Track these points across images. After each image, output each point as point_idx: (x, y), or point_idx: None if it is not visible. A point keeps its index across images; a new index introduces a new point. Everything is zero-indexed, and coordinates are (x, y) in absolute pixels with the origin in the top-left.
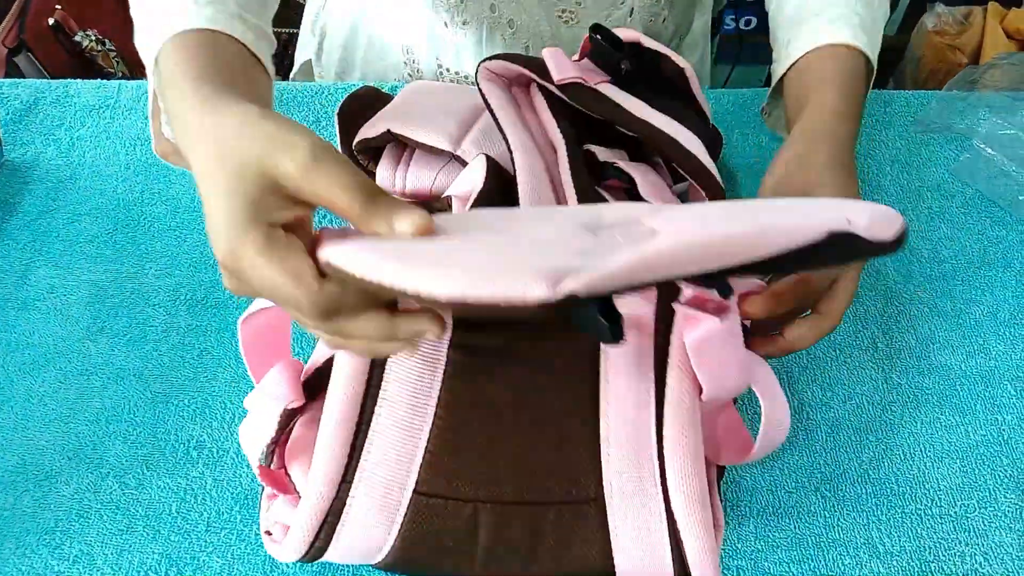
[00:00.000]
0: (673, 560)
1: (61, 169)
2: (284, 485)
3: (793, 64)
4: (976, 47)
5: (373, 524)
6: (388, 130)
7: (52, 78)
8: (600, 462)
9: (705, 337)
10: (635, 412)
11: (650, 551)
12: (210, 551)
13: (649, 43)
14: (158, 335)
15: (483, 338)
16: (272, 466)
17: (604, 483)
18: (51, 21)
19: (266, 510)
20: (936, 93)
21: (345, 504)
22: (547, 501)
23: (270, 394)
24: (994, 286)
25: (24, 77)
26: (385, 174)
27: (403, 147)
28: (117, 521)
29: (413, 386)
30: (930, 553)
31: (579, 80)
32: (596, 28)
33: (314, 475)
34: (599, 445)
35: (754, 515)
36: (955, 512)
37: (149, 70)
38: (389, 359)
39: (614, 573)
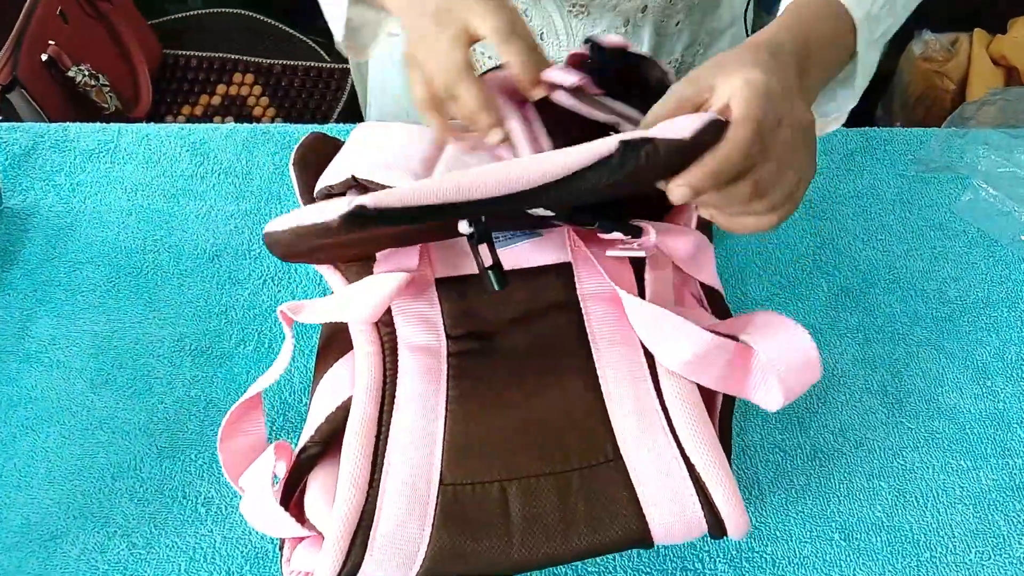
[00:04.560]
0: (701, 504)
1: (61, 216)
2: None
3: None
4: (963, 73)
5: (406, 520)
6: (352, 176)
7: (46, 114)
8: (611, 424)
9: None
10: (630, 373)
11: (677, 499)
12: None
13: (634, 49)
14: (163, 387)
15: (474, 340)
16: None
17: (619, 443)
18: (44, 57)
19: (289, 571)
20: (934, 131)
21: (375, 507)
22: (568, 468)
23: (267, 461)
24: (1000, 326)
25: (17, 114)
26: None
27: (366, 189)
28: None
29: (421, 392)
30: None
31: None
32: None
33: (342, 484)
34: (606, 410)
35: (770, 565)
36: (970, 559)
37: None
38: (400, 375)
39: (649, 535)
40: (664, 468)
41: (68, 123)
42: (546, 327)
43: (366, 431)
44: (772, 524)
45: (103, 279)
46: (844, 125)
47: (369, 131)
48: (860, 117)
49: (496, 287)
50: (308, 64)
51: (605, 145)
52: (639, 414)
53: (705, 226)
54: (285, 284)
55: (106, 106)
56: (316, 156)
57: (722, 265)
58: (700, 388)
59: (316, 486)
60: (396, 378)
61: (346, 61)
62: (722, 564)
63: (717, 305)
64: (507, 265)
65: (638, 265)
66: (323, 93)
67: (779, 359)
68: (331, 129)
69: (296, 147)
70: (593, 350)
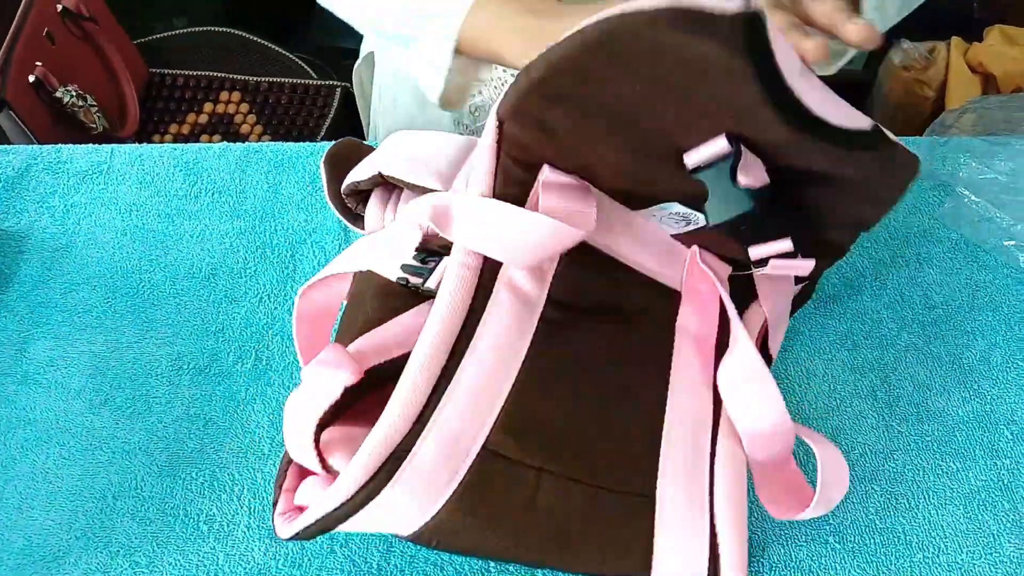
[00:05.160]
0: (709, 572)
1: (56, 237)
2: (324, 463)
3: None
4: (942, 81)
5: (436, 470)
6: (379, 172)
7: (34, 135)
8: (657, 461)
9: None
10: (694, 424)
11: (688, 559)
12: None
13: None
14: (162, 406)
15: (571, 313)
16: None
17: (657, 484)
18: (32, 78)
19: (288, 489)
20: (916, 140)
21: (413, 446)
22: (601, 485)
23: (331, 364)
24: (985, 330)
25: (5, 136)
26: (374, 212)
27: (392, 188)
28: None
29: (504, 341)
30: None
31: None
32: None
33: (392, 406)
34: (658, 448)
35: (768, 569)
36: (961, 559)
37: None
38: (487, 313)
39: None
40: (689, 525)
41: (60, 145)
42: (637, 340)
43: (434, 361)
44: (767, 529)
45: (99, 300)
46: None
47: (403, 136)
48: None
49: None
50: (295, 81)
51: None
52: (686, 465)
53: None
54: (281, 301)
55: (94, 126)
56: (347, 158)
57: None
58: None
59: (334, 436)
60: (483, 315)
61: (332, 78)
62: None
63: None
64: (631, 258)
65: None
66: (310, 110)
67: (827, 474)
68: (320, 147)
69: (330, 147)
70: (670, 386)
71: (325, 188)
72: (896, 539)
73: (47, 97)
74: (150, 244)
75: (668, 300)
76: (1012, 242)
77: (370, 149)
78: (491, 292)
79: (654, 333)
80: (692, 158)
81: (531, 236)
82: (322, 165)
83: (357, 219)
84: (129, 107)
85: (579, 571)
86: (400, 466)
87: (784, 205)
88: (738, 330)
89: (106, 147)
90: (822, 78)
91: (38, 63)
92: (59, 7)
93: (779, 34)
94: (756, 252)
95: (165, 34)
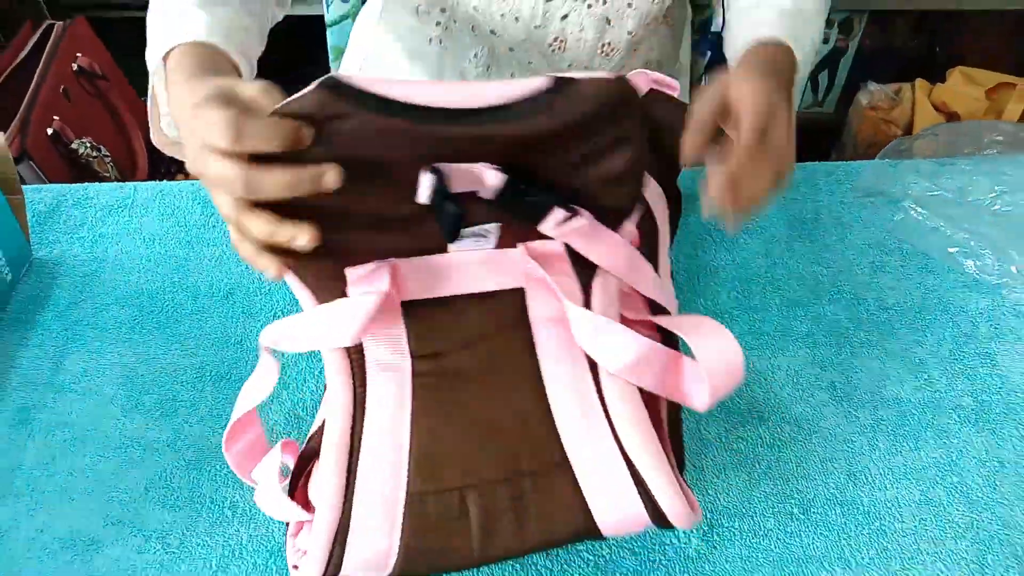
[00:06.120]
0: (641, 498)
1: (87, 264)
2: (309, 507)
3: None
4: (908, 120)
5: (377, 529)
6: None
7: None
8: (557, 431)
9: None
10: (574, 383)
11: (619, 495)
12: None
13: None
14: (187, 409)
15: (435, 360)
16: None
17: (565, 448)
18: (50, 131)
19: (292, 547)
20: (870, 162)
21: (350, 518)
22: (521, 474)
23: (275, 457)
24: (934, 326)
25: (25, 183)
26: None
27: None
28: None
29: (390, 411)
30: (896, 563)
31: None
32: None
33: (320, 500)
34: (553, 419)
35: (738, 537)
36: (915, 526)
37: (154, 72)
38: (369, 394)
39: (597, 529)
40: (606, 467)
41: (87, 184)
42: (499, 346)
43: (339, 451)
44: (738, 503)
45: (128, 318)
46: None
47: None
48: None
49: (449, 239)
50: None
51: (539, 80)
52: (583, 419)
53: (651, 245)
54: None
55: (107, 175)
56: None
57: (686, 283)
58: (643, 395)
59: (317, 475)
60: (365, 398)
61: None
62: (695, 539)
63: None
64: (462, 290)
65: (587, 279)
66: None
67: (709, 364)
68: None
69: None
70: (542, 367)
71: None
72: (855, 510)
73: (64, 149)
74: (173, 268)
75: (515, 298)
76: (956, 249)
77: None
78: (365, 378)
79: (513, 333)
80: (420, 197)
81: (338, 320)
82: None
83: None
84: (138, 158)
85: (540, 547)
86: (347, 541)
87: (539, 185)
88: (562, 298)
89: (130, 184)
90: None
91: (55, 117)
92: (74, 66)
93: (356, 77)
94: (544, 229)
95: None
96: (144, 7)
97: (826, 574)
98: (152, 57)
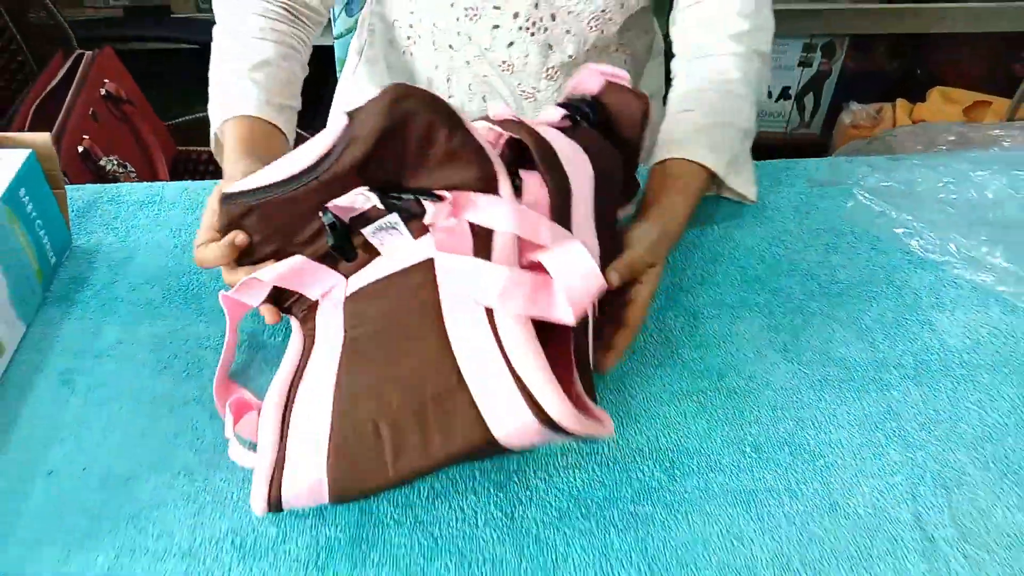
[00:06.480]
0: (529, 407)
1: (120, 251)
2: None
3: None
4: None
5: (307, 460)
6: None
7: None
8: (456, 361)
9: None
10: (470, 320)
11: (509, 406)
12: (267, 523)
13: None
14: (211, 370)
15: (362, 328)
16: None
17: (462, 372)
18: (80, 149)
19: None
20: (827, 159)
21: (285, 455)
22: (425, 399)
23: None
24: (880, 298)
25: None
26: None
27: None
28: (190, 507)
29: (323, 368)
30: (837, 493)
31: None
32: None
33: (261, 440)
34: (453, 352)
35: (695, 470)
36: (856, 464)
37: (216, 128)
38: (310, 359)
39: (496, 440)
40: (495, 382)
41: (120, 184)
42: (414, 306)
43: (279, 399)
44: (696, 444)
45: (158, 295)
46: None
47: None
48: None
49: (347, 261)
50: None
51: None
52: (477, 349)
53: (564, 200)
54: None
55: None
56: None
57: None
58: (545, 329)
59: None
60: (308, 364)
61: None
62: (659, 472)
63: None
64: (388, 272)
65: (487, 239)
66: None
67: (561, 275)
68: None
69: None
70: (445, 317)
71: None
72: (803, 451)
73: (93, 165)
74: None
75: (427, 267)
76: (902, 230)
77: None
78: (312, 348)
79: (425, 295)
80: (326, 219)
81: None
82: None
83: None
84: (160, 175)
85: (446, 462)
86: (283, 474)
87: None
88: (447, 255)
89: (158, 184)
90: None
91: (85, 136)
92: (102, 91)
93: (241, 183)
94: (427, 219)
95: (191, 117)
96: (158, 39)
97: (775, 502)
98: (213, 122)
